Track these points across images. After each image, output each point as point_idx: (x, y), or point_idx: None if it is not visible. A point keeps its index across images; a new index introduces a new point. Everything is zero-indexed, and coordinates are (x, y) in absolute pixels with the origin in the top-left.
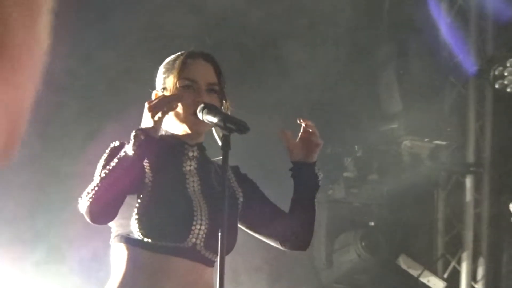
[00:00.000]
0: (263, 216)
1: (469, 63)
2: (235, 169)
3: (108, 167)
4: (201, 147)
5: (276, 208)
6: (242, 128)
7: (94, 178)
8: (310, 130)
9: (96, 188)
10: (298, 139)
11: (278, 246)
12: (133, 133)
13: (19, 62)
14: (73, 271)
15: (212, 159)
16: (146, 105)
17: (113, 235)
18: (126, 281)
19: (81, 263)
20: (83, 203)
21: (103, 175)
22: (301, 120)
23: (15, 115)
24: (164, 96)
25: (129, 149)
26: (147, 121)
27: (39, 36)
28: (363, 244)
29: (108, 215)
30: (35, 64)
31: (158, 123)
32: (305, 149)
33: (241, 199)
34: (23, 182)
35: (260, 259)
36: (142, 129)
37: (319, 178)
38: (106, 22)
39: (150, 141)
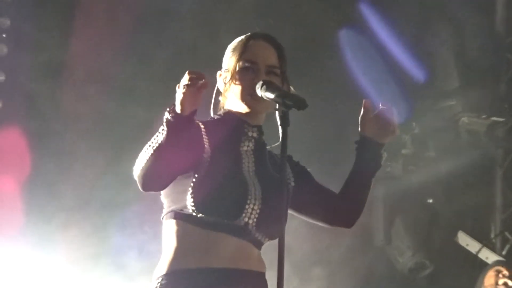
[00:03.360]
0: (312, 200)
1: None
2: (288, 157)
3: (154, 137)
4: (260, 130)
5: (325, 190)
6: (300, 104)
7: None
8: (391, 117)
9: (146, 157)
10: (374, 115)
11: (324, 225)
12: (166, 111)
13: None
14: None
15: (267, 146)
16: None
17: (165, 211)
18: (177, 258)
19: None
20: (135, 170)
21: (151, 143)
22: (385, 104)
23: None
24: (188, 75)
25: (164, 125)
26: (177, 99)
27: None
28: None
29: (158, 184)
30: None
31: (184, 102)
32: (379, 129)
33: (292, 184)
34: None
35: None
36: (173, 109)
37: (383, 158)
38: None
39: (180, 120)
